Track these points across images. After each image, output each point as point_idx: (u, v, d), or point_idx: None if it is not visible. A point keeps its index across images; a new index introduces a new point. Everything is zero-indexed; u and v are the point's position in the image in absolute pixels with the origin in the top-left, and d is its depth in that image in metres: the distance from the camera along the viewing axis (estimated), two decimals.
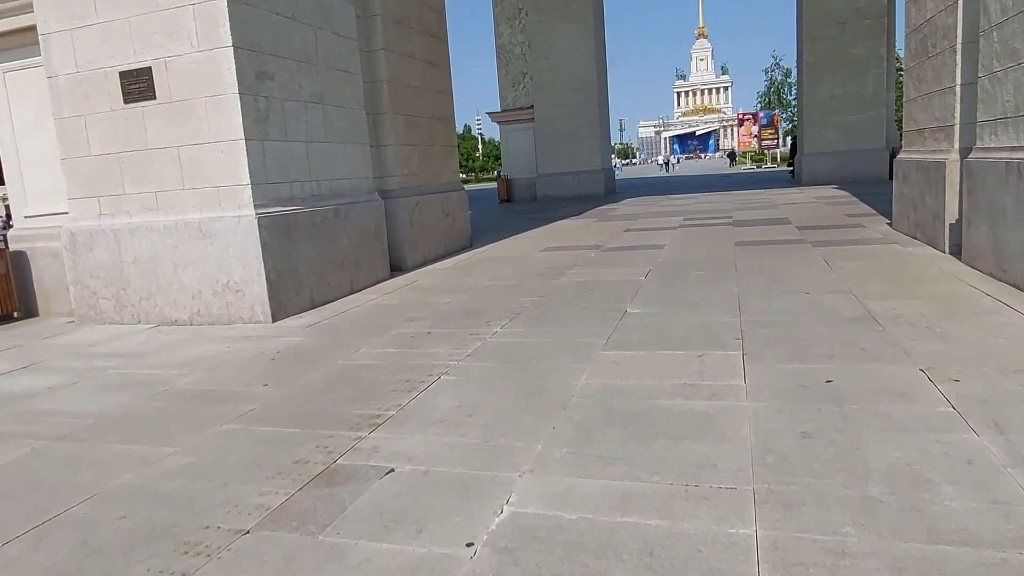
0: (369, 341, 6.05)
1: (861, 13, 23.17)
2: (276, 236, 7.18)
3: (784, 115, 61.82)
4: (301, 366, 5.43)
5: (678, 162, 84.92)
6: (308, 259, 7.71)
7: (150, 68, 7.08)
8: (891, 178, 21.93)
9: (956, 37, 8.32)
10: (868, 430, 3.39)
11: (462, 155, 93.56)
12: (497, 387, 4.52)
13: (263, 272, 7.01)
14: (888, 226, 10.86)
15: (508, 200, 27.90)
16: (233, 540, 2.81)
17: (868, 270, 7.49)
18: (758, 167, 53.30)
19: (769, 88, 65.80)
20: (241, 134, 6.90)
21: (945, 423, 3.43)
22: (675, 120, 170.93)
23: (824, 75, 23.74)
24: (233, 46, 6.79)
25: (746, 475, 3.03)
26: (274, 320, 7.12)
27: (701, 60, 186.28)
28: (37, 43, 7.57)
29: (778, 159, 54.95)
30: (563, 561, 2.49)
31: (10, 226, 9.62)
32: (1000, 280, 6.53)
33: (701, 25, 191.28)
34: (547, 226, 15.58)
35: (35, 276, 8.71)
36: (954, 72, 8.42)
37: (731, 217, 14.35)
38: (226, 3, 6.73)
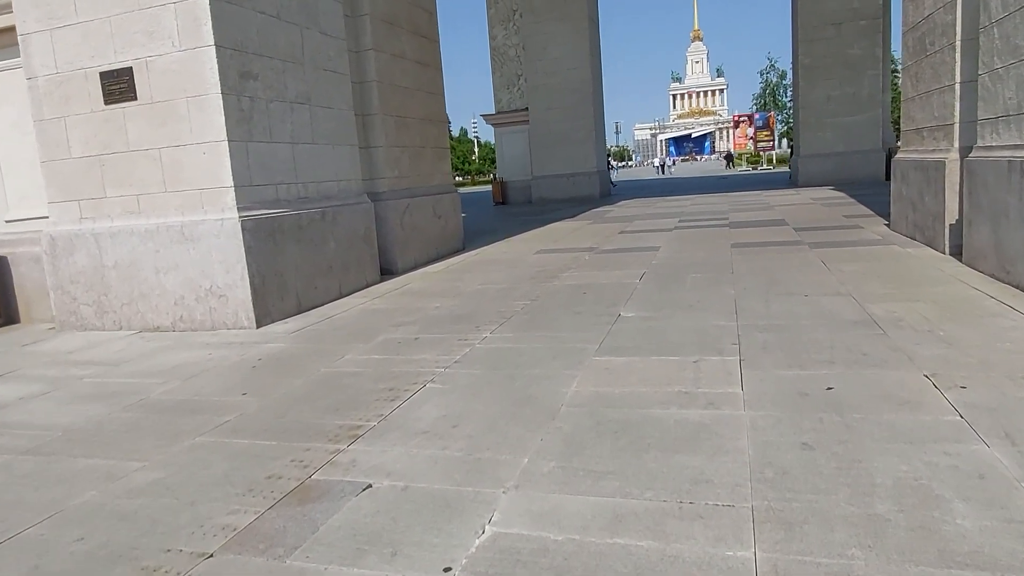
0: (354, 347, 5.86)
1: (857, 14, 23.08)
2: (260, 239, 7.00)
3: (780, 117, 61.77)
4: (283, 374, 5.24)
5: (674, 164, 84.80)
6: (294, 263, 7.52)
7: (131, 68, 6.89)
8: (888, 179, 21.85)
9: (955, 34, 8.16)
10: (872, 441, 3.21)
11: (458, 158, 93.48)
12: (484, 396, 4.34)
13: (247, 277, 6.82)
14: (886, 227, 10.71)
15: (503, 203, 27.74)
16: (195, 565, 2.63)
17: (867, 272, 7.32)
18: (754, 169, 53.18)
19: (765, 90, 65.77)
20: (224, 135, 6.71)
21: (953, 433, 3.25)
22: (671, 122, 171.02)
23: (820, 76, 23.64)
24: (215, 45, 6.61)
25: (744, 491, 2.85)
26: (258, 326, 6.93)
27: (697, 63, 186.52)
28: (17, 44, 7.39)
29: (774, 161, 54.85)
30: None
31: None
32: (1003, 282, 6.37)
33: (697, 28, 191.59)
34: (541, 228, 15.41)
35: (16, 282, 8.51)
36: (953, 70, 8.26)
37: (727, 219, 14.19)
38: (208, 1, 6.55)
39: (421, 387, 4.62)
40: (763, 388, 4.04)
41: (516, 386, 4.47)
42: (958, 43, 8.13)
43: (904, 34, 10.18)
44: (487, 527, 2.73)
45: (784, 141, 66.94)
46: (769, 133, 55.30)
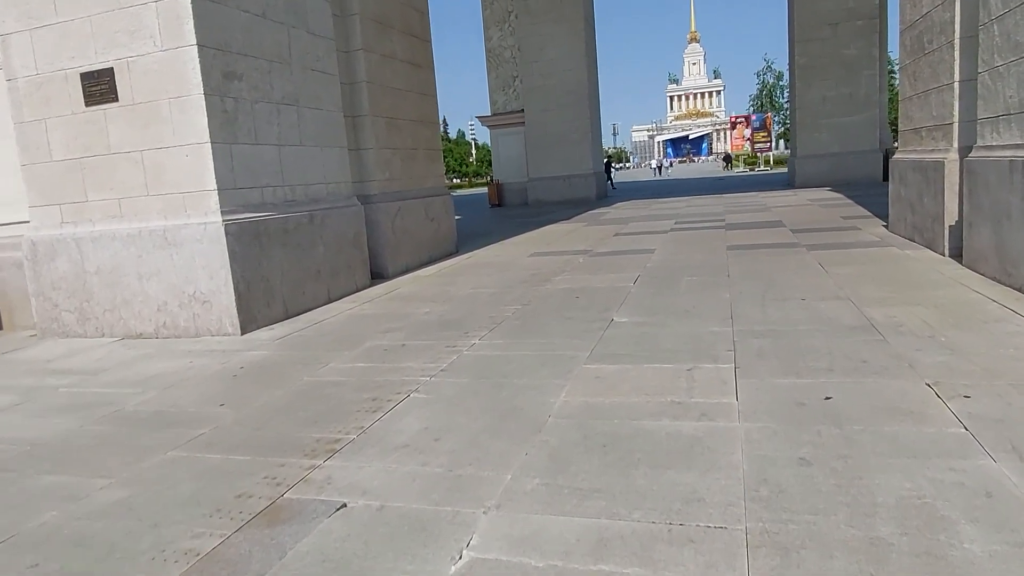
0: (339, 355, 5.70)
1: (853, 14, 22.96)
2: (245, 244, 6.83)
3: (777, 118, 61.70)
4: (264, 383, 5.07)
5: (671, 166, 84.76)
6: (281, 268, 7.35)
7: (112, 69, 6.72)
8: (885, 180, 21.73)
9: (954, 32, 8.03)
10: (873, 456, 3.05)
11: (456, 160, 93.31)
12: (469, 407, 4.17)
13: (231, 282, 6.65)
14: (884, 228, 10.56)
15: (499, 204, 27.59)
16: None
17: (866, 275, 7.16)
18: (751, 170, 53.08)
19: (761, 91, 65.78)
20: (207, 137, 6.55)
21: (958, 447, 3.10)
22: (668, 124, 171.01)
23: (816, 77, 23.52)
24: (197, 44, 6.44)
25: (738, 511, 2.69)
26: (243, 332, 6.76)
27: (694, 64, 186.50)
28: None
29: (771, 162, 54.74)
30: None
31: None
32: (1005, 284, 6.21)
33: (693, 29, 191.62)
34: (536, 231, 15.25)
35: None
36: (952, 68, 8.12)
37: (723, 220, 14.05)
38: (190, 0, 6.38)
39: (405, 397, 4.45)
40: (759, 398, 3.88)
41: (502, 396, 4.31)
42: (957, 41, 7.99)
43: (901, 33, 10.03)
44: (464, 552, 2.57)
45: (781, 142, 66.93)
46: (766, 134, 55.18)
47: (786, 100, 59.06)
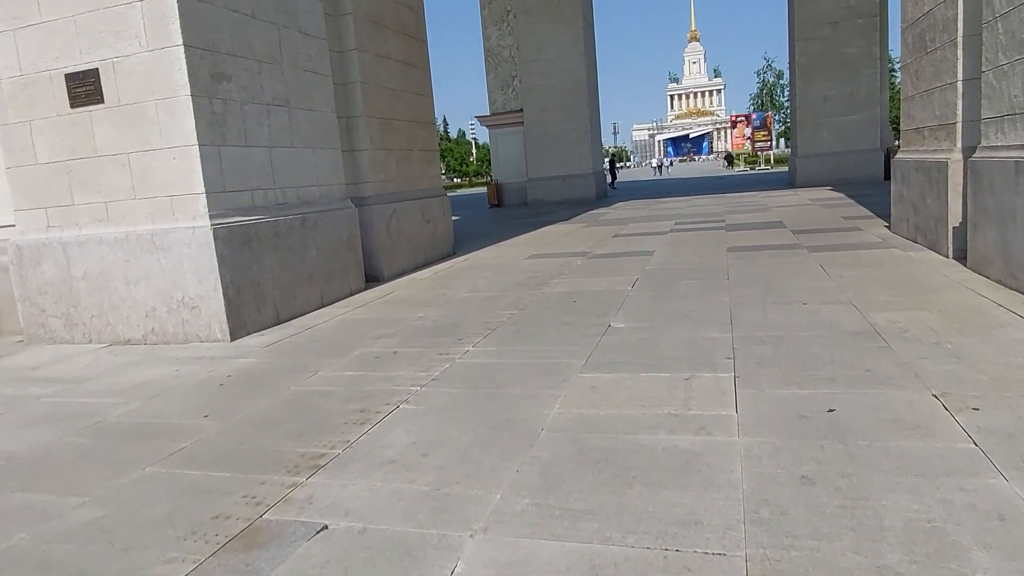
0: (329, 363, 5.56)
1: (853, 12, 22.81)
2: (235, 248, 6.69)
3: (777, 117, 61.53)
4: (250, 393, 4.93)
5: (671, 165, 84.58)
6: (272, 272, 7.21)
7: (97, 70, 6.58)
8: (886, 179, 21.62)
9: (957, 30, 7.88)
10: (879, 474, 2.91)
11: (456, 159, 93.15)
12: (459, 419, 4.03)
13: (220, 287, 6.51)
14: (886, 229, 10.42)
15: (498, 205, 27.45)
16: None
17: (868, 278, 7.02)
18: (752, 169, 52.92)
19: (762, 90, 65.60)
20: (194, 139, 6.41)
21: (968, 464, 2.95)
22: (669, 123, 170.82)
23: (817, 76, 23.37)
24: (184, 45, 6.30)
25: (737, 535, 2.55)
26: (233, 338, 6.62)
27: (694, 63, 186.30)
28: None
29: (772, 161, 54.58)
30: None
31: None
32: (1011, 288, 6.07)
33: (693, 28, 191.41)
34: (535, 232, 15.11)
35: None
36: (955, 67, 7.98)
37: (724, 221, 13.91)
38: None
39: (394, 408, 4.31)
40: (759, 410, 3.74)
41: (494, 408, 4.17)
42: (960, 39, 7.84)
43: (903, 31, 9.89)
44: None
45: (782, 141, 66.78)
46: (767, 133, 55.00)
47: (786, 99, 58.89)
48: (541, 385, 4.52)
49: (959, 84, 7.92)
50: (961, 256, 7.51)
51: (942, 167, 8.03)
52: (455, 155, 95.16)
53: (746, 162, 58.89)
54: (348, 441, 3.82)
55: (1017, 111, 6.21)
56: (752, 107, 66.48)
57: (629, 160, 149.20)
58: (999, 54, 6.53)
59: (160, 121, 6.48)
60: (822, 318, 5.59)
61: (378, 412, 4.26)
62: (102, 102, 6.63)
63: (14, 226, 7.52)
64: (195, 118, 6.39)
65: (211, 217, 6.51)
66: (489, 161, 31.52)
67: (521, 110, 26.55)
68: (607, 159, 47.51)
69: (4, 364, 6.59)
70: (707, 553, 2.46)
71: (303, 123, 8.01)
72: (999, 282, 6.36)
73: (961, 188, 7.70)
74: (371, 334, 6.48)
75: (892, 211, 10.24)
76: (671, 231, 13.00)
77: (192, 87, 6.37)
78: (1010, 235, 6.16)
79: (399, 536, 2.76)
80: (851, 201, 15.64)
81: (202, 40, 6.51)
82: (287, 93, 7.75)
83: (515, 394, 4.39)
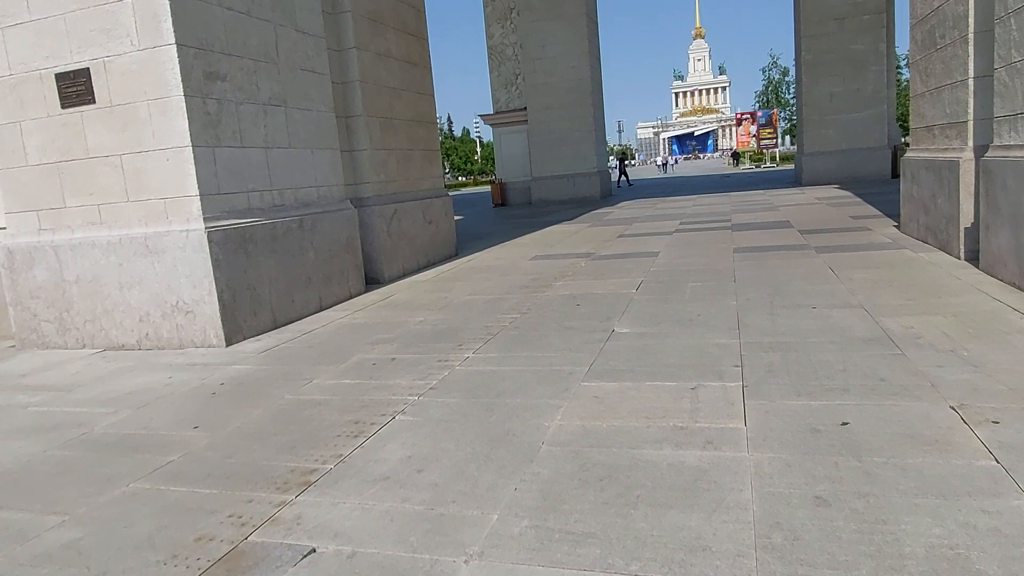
0: (325, 370, 5.41)
1: (859, 8, 22.58)
2: (230, 251, 6.55)
3: (783, 114, 61.19)
4: (242, 403, 4.79)
5: (676, 163, 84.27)
6: (269, 276, 7.07)
7: (88, 69, 6.44)
8: (894, 177, 21.41)
9: (968, 26, 7.70)
10: (897, 494, 2.75)
11: (460, 158, 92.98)
12: (457, 431, 3.88)
13: (215, 291, 6.37)
14: (896, 229, 10.23)
15: (502, 204, 27.29)
16: None
17: (879, 280, 6.85)
18: (757, 167, 52.65)
19: (767, 87, 65.23)
20: (188, 140, 6.26)
21: (990, 483, 2.79)
22: (673, 121, 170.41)
23: (823, 72, 23.14)
24: (176, 44, 6.16)
25: (748, 563, 2.39)
26: (228, 344, 6.48)
27: (699, 60, 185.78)
28: None
29: (777, 159, 54.30)
30: None
31: None
32: None
33: (698, 25, 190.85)
34: (539, 232, 14.95)
35: None
36: (966, 64, 7.79)
37: (730, 220, 13.73)
38: None
39: (389, 420, 4.16)
40: (769, 422, 3.58)
41: (493, 419, 4.01)
42: (971, 36, 7.66)
43: (912, 27, 9.70)
44: None
45: (787, 138, 66.45)
46: (772, 131, 54.69)
47: (792, 96, 58.56)
48: (542, 394, 4.37)
49: (970, 81, 7.73)
50: (973, 257, 7.33)
51: (953, 166, 7.85)
52: (459, 154, 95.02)
53: (751, 160, 58.59)
54: (341, 455, 3.68)
55: None
56: (757, 104, 66.12)
57: (634, 158, 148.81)
58: (1012, 51, 6.35)
59: (153, 122, 6.34)
60: (832, 323, 5.42)
61: (373, 424, 4.11)
62: (93, 102, 6.49)
63: (5, 229, 7.39)
64: (188, 119, 6.25)
65: (205, 220, 6.37)
66: (493, 160, 31.33)
67: (525, 108, 26.38)
68: (617, 158, 47.36)
69: None
70: None
71: (301, 123, 7.86)
72: (1013, 285, 6.18)
73: (973, 188, 7.52)
74: (369, 339, 6.33)
75: (901, 211, 10.06)
76: (676, 231, 12.83)
77: (185, 87, 6.23)
78: None
79: (390, 561, 2.61)
80: (859, 200, 15.44)
81: (195, 39, 6.36)
82: (284, 93, 7.60)
83: (515, 404, 4.24)
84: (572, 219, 17.48)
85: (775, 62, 64.17)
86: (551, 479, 3.17)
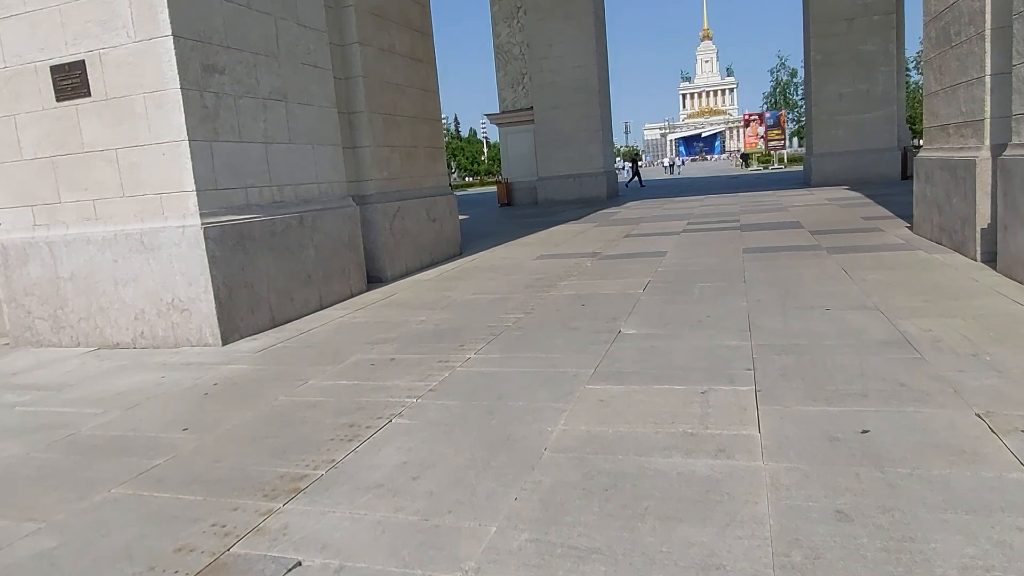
0: (322, 370, 5.24)
1: (869, 9, 22.35)
2: (227, 248, 6.39)
3: (791, 115, 60.85)
4: (235, 404, 4.62)
5: (683, 164, 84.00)
6: (267, 273, 6.91)
7: (83, 62, 6.29)
8: (904, 178, 21.18)
9: (984, 22, 7.49)
10: (924, 509, 2.57)
11: (467, 158, 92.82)
12: (456, 436, 3.70)
13: (211, 289, 6.21)
14: (908, 230, 10.02)
15: (508, 204, 27.12)
16: None
17: (894, 281, 6.65)
18: (765, 168, 52.33)
19: (775, 88, 64.90)
20: (184, 134, 6.11)
21: (1023, 497, 2.60)
22: (681, 122, 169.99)
23: (832, 73, 22.92)
24: (173, 35, 6.00)
25: None
26: (225, 343, 6.32)
27: (706, 62, 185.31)
28: None
29: (785, 160, 53.99)
30: None
31: None
32: None
33: (706, 27, 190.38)
34: (544, 231, 14.77)
35: None
36: (983, 61, 7.59)
37: (738, 221, 13.52)
38: None
39: (386, 423, 3.99)
40: (784, 429, 3.39)
41: (494, 423, 3.84)
42: (988, 32, 7.45)
43: (925, 24, 9.50)
44: None
45: (795, 140, 66.08)
46: (780, 132, 54.39)
47: (800, 97, 58.22)
48: (545, 398, 4.19)
49: (987, 79, 7.53)
50: (991, 259, 7.12)
51: (969, 165, 7.65)
52: (466, 154, 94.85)
53: (759, 161, 58.27)
54: (333, 460, 3.51)
55: None
56: (765, 106, 65.79)
57: (641, 159, 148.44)
58: None
59: (149, 115, 6.19)
60: (847, 325, 5.23)
61: (368, 427, 3.94)
62: (89, 95, 6.34)
63: (0, 224, 7.25)
64: (185, 112, 6.09)
65: (202, 216, 6.21)
66: (500, 160, 31.15)
67: (531, 108, 26.19)
68: (630, 159, 47.15)
69: None
70: None
71: (302, 118, 7.71)
72: None
73: (990, 188, 7.32)
74: (369, 339, 6.16)
75: (914, 211, 9.84)
76: (684, 231, 12.63)
77: (182, 80, 6.08)
78: None
79: None
80: (869, 201, 15.22)
81: (193, 30, 6.21)
82: (285, 87, 7.44)
83: (517, 408, 4.06)
84: (578, 219, 17.30)
85: (783, 63, 63.91)
86: (553, 488, 3.00)
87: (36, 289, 6.86)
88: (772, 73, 65.02)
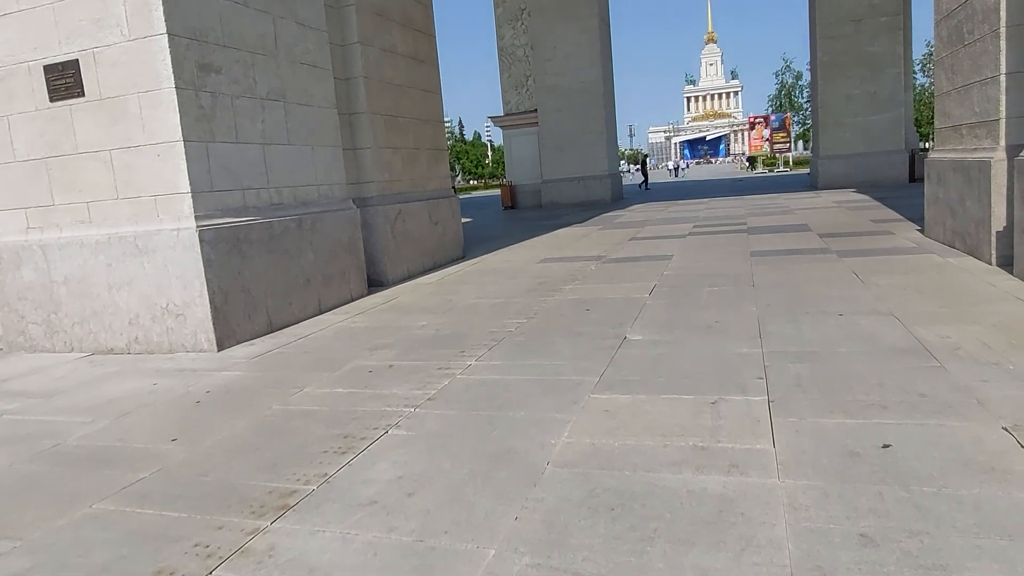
0: (318, 377, 5.08)
1: (876, 10, 22.13)
2: (223, 252, 6.24)
3: (796, 118, 60.59)
4: (228, 413, 4.46)
5: (687, 167, 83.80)
6: (264, 277, 6.76)
7: (77, 61, 6.16)
8: (912, 181, 20.96)
9: (999, 20, 7.32)
10: (955, 533, 2.39)
11: (472, 161, 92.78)
12: (454, 448, 3.54)
13: (206, 293, 6.06)
14: (919, 233, 9.83)
15: (512, 207, 26.94)
16: None
17: (908, 286, 6.46)
18: (770, 171, 52.09)
19: (780, 91, 64.61)
20: (179, 135, 5.96)
21: None
22: (685, 125, 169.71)
23: (839, 75, 22.69)
24: (168, 33, 5.86)
25: None
26: (220, 348, 6.17)
27: (711, 65, 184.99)
28: None
29: (791, 163, 53.73)
30: None
31: None
32: None
33: (711, 30, 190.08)
34: (548, 234, 14.61)
35: None
36: (997, 60, 7.41)
37: (745, 224, 13.33)
38: None
39: (382, 434, 3.82)
40: (800, 444, 3.22)
41: (495, 435, 3.67)
42: (1003, 29, 7.28)
43: (937, 23, 9.32)
44: None
45: (800, 143, 65.81)
46: (785, 135, 54.15)
47: (805, 100, 57.95)
48: (548, 407, 4.02)
49: (1002, 78, 7.35)
50: (1006, 263, 6.94)
51: (984, 167, 7.46)
52: (471, 157, 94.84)
53: (764, 164, 58.01)
54: (326, 475, 3.34)
55: None
56: (770, 108, 65.53)
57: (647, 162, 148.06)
58: None
59: (143, 116, 6.04)
60: (862, 331, 5.05)
61: (363, 439, 3.78)
62: (83, 95, 6.20)
63: None
64: (180, 112, 5.95)
65: (197, 218, 6.06)
66: (504, 163, 31.01)
67: (535, 110, 26.02)
68: (639, 161, 46.96)
69: None
70: None
71: (300, 119, 7.56)
72: None
73: (1005, 189, 7.14)
74: (368, 344, 6.00)
75: (926, 214, 9.65)
76: (690, 234, 12.45)
77: (177, 79, 5.93)
78: None
79: None
80: (877, 203, 15.02)
81: (188, 29, 6.07)
82: (283, 87, 7.29)
83: (519, 418, 3.89)
84: (582, 222, 17.13)
85: (788, 66, 63.54)
86: (556, 507, 2.83)
87: (29, 293, 6.72)
88: (777, 76, 64.67)
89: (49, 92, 6.30)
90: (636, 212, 19.25)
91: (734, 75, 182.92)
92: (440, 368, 5.06)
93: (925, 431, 3.23)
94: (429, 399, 4.36)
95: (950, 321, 5.14)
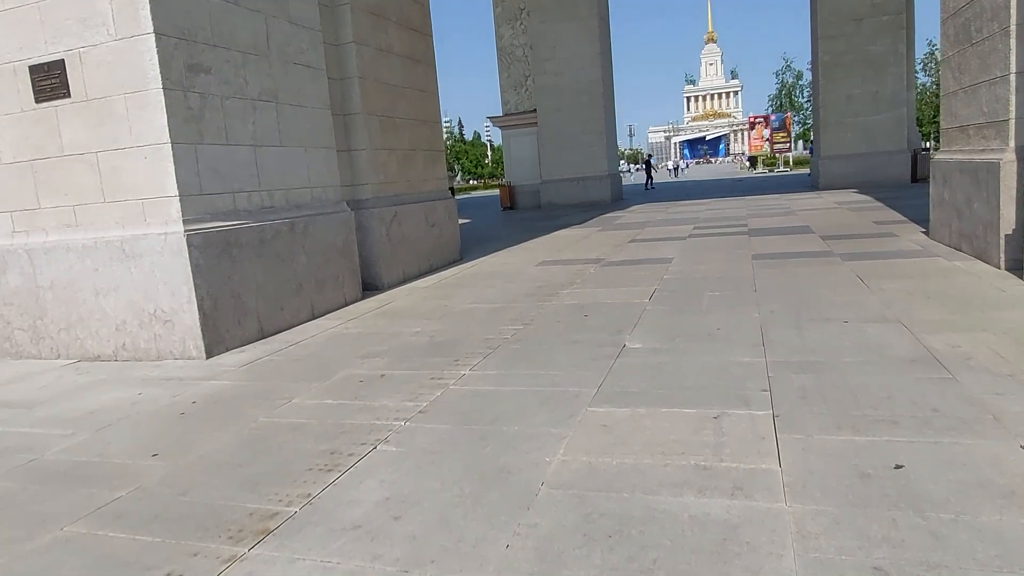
0: (307, 387, 4.93)
1: (878, 9, 21.95)
2: (212, 256, 6.08)
3: (796, 118, 60.39)
4: (212, 425, 4.31)
5: (687, 167, 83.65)
6: (255, 282, 6.60)
7: (63, 61, 6.00)
8: (914, 181, 20.78)
9: (1009, 18, 7.16)
10: (977, 567, 2.23)
11: (471, 162, 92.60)
12: (444, 466, 3.38)
13: (194, 299, 5.90)
14: (924, 235, 9.67)
15: (511, 207, 26.78)
16: None
17: (914, 291, 6.31)
18: (770, 171, 51.91)
19: (780, 91, 64.40)
20: (167, 136, 5.81)
21: None
22: (685, 125, 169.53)
23: (841, 74, 22.52)
24: (155, 33, 5.70)
25: None
26: (209, 356, 6.01)
27: (711, 64, 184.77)
28: None
29: (790, 163, 53.54)
30: None
31: None
32: None
33: (711, 30, 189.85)
34: (547, 236, 14.45)
35: None
36: (1007, 58, 7.25)
37: (746, 225, 13.17)
38: None
39: (370, 450, 3.67)
40: (808, 463, 3.06)
41: (487, 452, 3.51)
42: (1013, 28, 7.12)
43: (943, 21, 9.16)
44: None
45: (800, 143, 65.60)
46: (785, 134, 53.95)
47: (805, 100, 57.75)
48: (544, 421, 3.87)
49: (1012, 77, 7.19)
50: (1016, 266, 6.78)
51: (992, 168, 7.30)
52: (470, 157, 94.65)
53: (764, 164, 57.82)
54: (309, 495, 3.18)
55: None
56: (771, 108, 65.33)
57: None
58: None
59: (130, 117, 5.89)
60: (868, 339, 4.89)
61: (351, 455, 3.62)
62: (68, 96, 6.05)
63: None
64: (167, 113, 5.79)
65: (185, 222, 5.90)
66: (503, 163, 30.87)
67: (535, 110, 25.86)
68: (644, 160, 46.80)
69: None
70: None
71: (293, 120, 7.40)
72: None
73: (1015, 191, 6.98)
74: (360, 352, 5.85)
75: (931, 216, 9.49)
76: (690, 236, 12.29)
77: (164, 79, 5.77)
78: None
79: None
80: (880, 204, 14.85)
81: (176, 28, 5.91)
82: (275, 87, 7.14)
83: (513, 433, 3.74)
84: (582, 223, 16.97)
85: (788, 65, 63.31)
86: (550, 534, 2.67)
87: (15, 298, 6.57)
88: (777, 76, 64.45)
89: (35, 93, 6.15)
90: (636, 213, 19.09)
91: (734, 75, 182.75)
92: (433, 378, 4.91)
93: (939, 450, 3.08)
94: (421, 412, 4.21)
95: (960, 328, 4.98)
